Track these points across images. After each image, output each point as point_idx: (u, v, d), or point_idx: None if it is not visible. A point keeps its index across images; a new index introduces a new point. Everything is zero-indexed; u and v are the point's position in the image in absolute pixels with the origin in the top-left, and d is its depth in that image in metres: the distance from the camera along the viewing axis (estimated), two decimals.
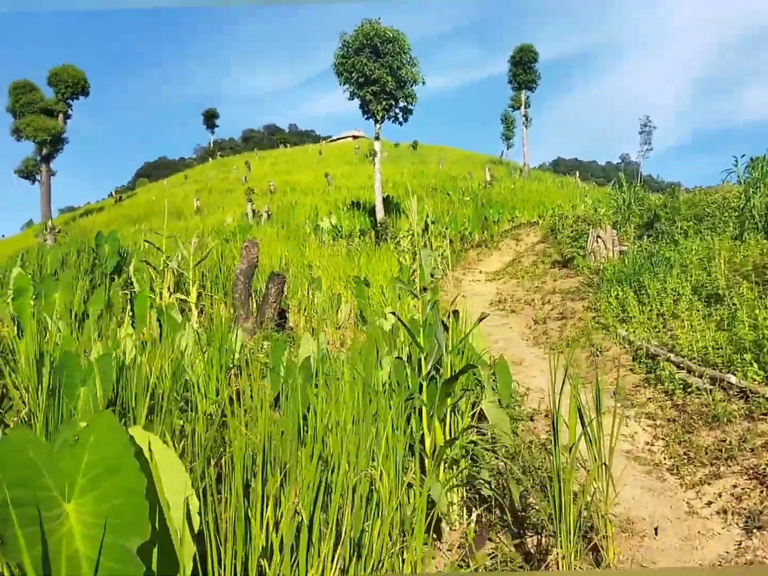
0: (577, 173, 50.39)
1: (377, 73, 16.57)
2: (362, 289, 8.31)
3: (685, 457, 4.61)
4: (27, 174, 39.08)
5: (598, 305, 9.02)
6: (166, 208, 8.72)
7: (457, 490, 3.25)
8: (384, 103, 17.15)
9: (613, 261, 10.81)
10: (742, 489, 3.86)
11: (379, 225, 16.35)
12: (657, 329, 7.53)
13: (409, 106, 17.95)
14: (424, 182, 28.76)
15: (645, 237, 11.59)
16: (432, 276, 13.35)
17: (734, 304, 6.84)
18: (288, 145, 78.62)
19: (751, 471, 4.05)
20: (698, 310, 7.15)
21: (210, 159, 72.62)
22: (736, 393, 5.24)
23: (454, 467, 3.25)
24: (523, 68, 44.43)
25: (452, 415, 3.56)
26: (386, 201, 20.83)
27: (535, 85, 45.23)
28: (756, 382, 5.21)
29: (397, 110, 18.08)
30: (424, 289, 10.83)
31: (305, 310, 7.93)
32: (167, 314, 4.87)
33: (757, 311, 6.18)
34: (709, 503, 3.82)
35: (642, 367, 6.67)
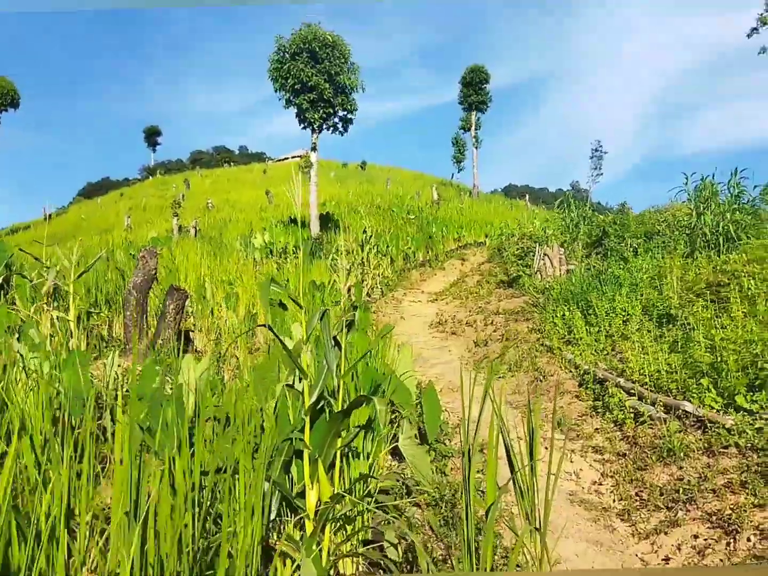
0: (527, 196, 50.84)
1: (314, 79, 15.95)
2: (277, 310, 7.63)
3: (638, 499, 4.07)
4: None
5: (543, 326, 8.55)
6: (95, 225, 7.91)
7: (352, 560, 2.60)
8: (321, 111, 16.51)
9: (559, 280, 10.41)
10: (705, 540, 3.32)
11: (314, 241, 15.67)
12: (605, 352, 7.08)
13: (349, 116, 17.37)
14: (369, 201, 28.29)
15: (593, 255, 11.26)
16: (369, 296, 12.78)
17: (688, 324, 6.43)
18: (233, 164, 77.60)
19: (714, 517, 3.52)
20: (649, 331, 6.73)
21: (150, 178, 71.02)
22: (692, 423, 4.75)
23: (350, 527, 2.60)
24: (474, 89, 44.44)
25: (355, 458, 2.91)
26: (326, 217, 20.23)
27: (485, 107, 45.32)
28: (714, 411, 4.74)
29: (336, 120, 17.49)
30: (354, 308, 10.15)
31: (218, 331, 7.22)
32: (25, 333, 4.13)
33: (713, 331, 5.76)
34: (667, 559, 3.27)
35: (589, 393, 6.17)
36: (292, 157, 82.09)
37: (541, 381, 6.88)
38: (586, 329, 7.69)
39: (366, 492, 2.78)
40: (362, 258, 13.18)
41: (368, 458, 3.11)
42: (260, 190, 38.80)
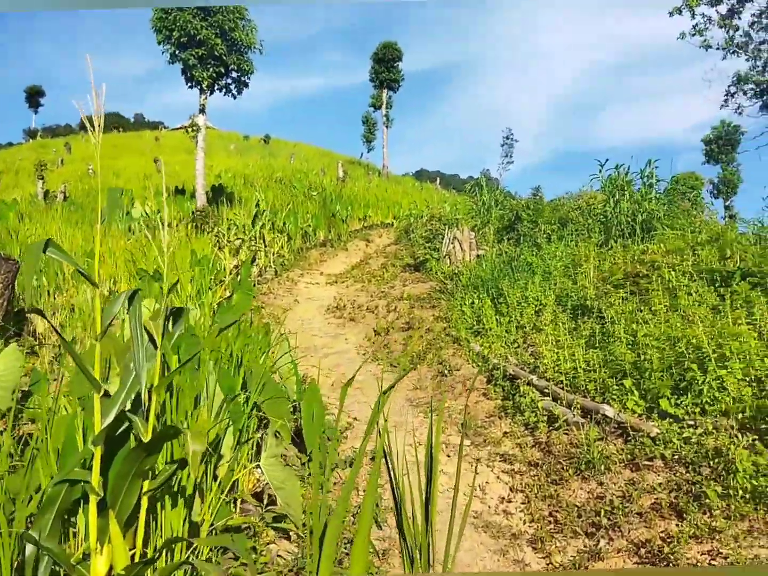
0: (438, 180, 50.95)
1: (204, 32, 14.67)
2: (151, 286, 6.76)
3: (552, 520, 3.58)
4: None
5: (451, 314, 8.06)
6: None
7: None
8: (211, 69, 15.29)
9: (469, 265, 9.98)
10: None
11: (199, 213, 14.58)
12: (517, 344, 6.65)
13: (244, 78, 16.23)
14: (269, 174, 27.19)
15: (505, 240, 10.91)
16: (261, 275, 11.98)
17: (604, 318, 6.07)
18: (122, 130, 73.91)
19: (643, 549, 3.06)
20: (564, 323, 6.33)
21: (31, 141, 66.71)
22: (613, 429, 4.33)
23: None
24: (386, 66, 43.90)
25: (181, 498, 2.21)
26: (219, 190, 19.10)
27: (397, 85, 44.88)
28: (637, 416, 4.33)
29: (229, 80, 16.31)
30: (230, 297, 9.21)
31: (71, 312, 6.28)
32: None
33: (634, 326, 5.39)
34: None
35: (498, 391, 5.71)
36: (189, 127, 79.52)
37: (446, 376, 6.37)
38: (496, 319, 7.26)
39: (191, 550, 2.09)
40: (253, 234, 12.31)
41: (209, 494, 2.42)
42: (149, 158, 36.81)
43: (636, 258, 7.65)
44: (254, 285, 11.28)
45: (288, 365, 4.51)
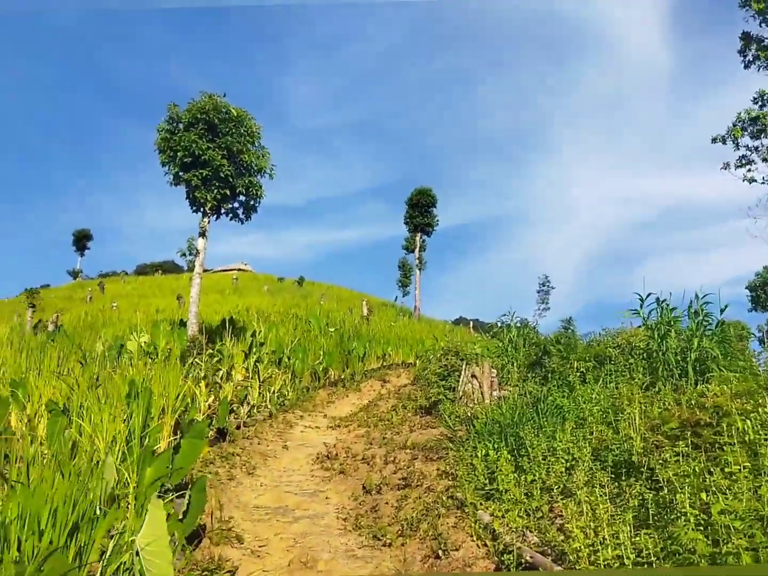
0: (471, 323, 49.86)
1: (209, 153, 14.07)
2: (60, 422, 5.36)
3: None
4: None
5: (457, 469, 6.42)
6: None
7: None
8: (216, 191, 14.58)
9: (487, 408, 8.40)
10: None
11: (189, 343, 13.38)
12: (540, 514, 4.98)
13: (253, 202, 15.50)
14: (286, 310, 26.29)
15: (530, 378, 9.36)
16: (250, 416, 10.50)
17: (658, 480, 4.44)
18: (161, 272, 75.73)
19: None
20: (603, 486, 4.70)
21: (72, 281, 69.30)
22: None
23: None
24: (420, 211, 45.05)
25: None
26: (226, 322, 17.99)
27: (431, 229, 45.72)
28: None
29: (236, 204, 15.60)
30: (220, 433, 7.71)
31: None
32: None
33: (704, 496, 3.77)
34: None
35: None
36: (231, 269, 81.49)
37: (440, 558, 4.69)
38: (515, 477, 5.61)
39: None
40: (246, 366, 10.96)
41: None
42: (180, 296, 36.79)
43: (694, 402, 6.05)
44: (239, 427, 9.80)
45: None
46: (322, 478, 7.54)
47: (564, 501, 4.92)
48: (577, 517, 4.24)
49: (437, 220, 45.65)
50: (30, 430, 6.48)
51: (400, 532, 5.38)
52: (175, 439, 7.17)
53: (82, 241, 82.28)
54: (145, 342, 14.12)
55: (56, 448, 5.56)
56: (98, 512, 4.28)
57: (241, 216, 15.66)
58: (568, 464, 5.57)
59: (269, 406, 11.30)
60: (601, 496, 4.35)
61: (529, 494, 5.32)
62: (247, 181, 15.03)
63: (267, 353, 12.56)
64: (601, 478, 4.91)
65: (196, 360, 10.25)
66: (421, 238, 45.27)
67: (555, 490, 5.23)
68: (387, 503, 6.21)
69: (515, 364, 10.39)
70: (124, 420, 5.85)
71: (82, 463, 5.06)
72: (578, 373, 8.85)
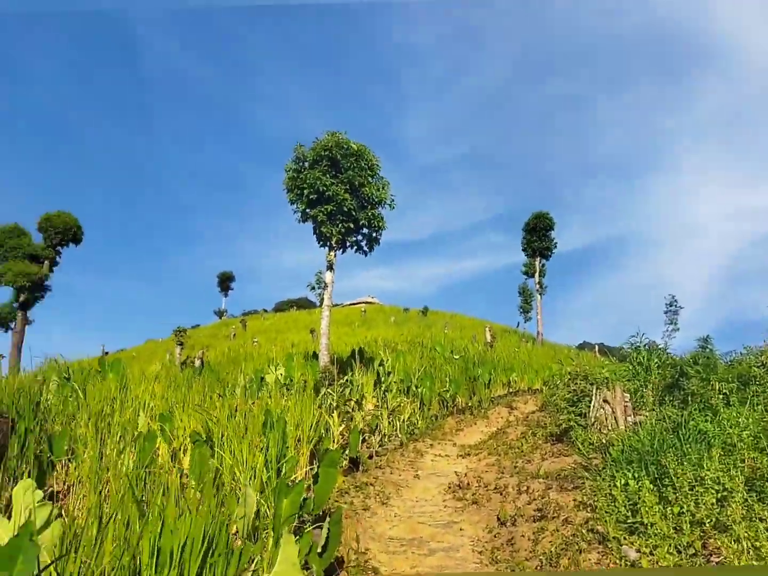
0: (596, 347, 48.10)
1: (333, 188, 14.43)
2: (203, 453, 5.44)
3: None
4: (1, 321, 37.20)
5: (596, 500, 6.01)
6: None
7: None
8: (340, 225, 14.88)
9: (623, 434, 7.89)
10: None
11: (321, 374, 13.55)
12: (693, 551, 4.54)
13: (375, 234, 15.68)
14: (411, 339, 26.28)
15: (667, 401, 8.74)
16: (381, 445, 10.43)
17: None
18: (298, 309, 78.68)
19: None
20: (762, 520, 4.23)
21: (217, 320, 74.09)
22: None
23: None
24: (538, 235, 44.45)
25: None
26: (356, 353, 18.17)
27: (550, 253, 44.95)
28: None
29: (359, 236, 15.91)
30: (353, 462, 7.72)
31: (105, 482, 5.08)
32: None
33: None
34: None
35: None
36: (359, 303, 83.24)
37: None
38: (660, 509, 5.18)
39: None
40: (374, 397, 10.93)
41: None
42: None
43: None
44: (371, 456, 9.76)
45: None
46: (455, 509, 7.31)
47: (719, 537, 4.47)
48: (738, 556, 3.81)
49: (555, 243, 44.90)
50: (176, 462, 6.67)
51: (539, 567, 5.07)
52: (311, 468, 7.20)
53: (225, 282, 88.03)
54: (281, 374, 14.48)
55: (199, 479, 5.67)
56: (236, 545, 4.28)
57: (365, 248, 15.94)
58: (719, 495, 5.08)
59: (399, 435, 11.20)
60: (764, 533, 3.90)
61: (678, 528, 4.87)
62: (369, 214, 15.31)
63: (395, 382, 12.51)
64: (760, 512, 4.43)
65: (329, 390, 10.34)
66: (540, 262, 44.58)
67: (707, 524, 4.76)
68: (523, 536, 5.90)
69: (649, 387, 9.75)
70: (261, 450, 5.91)
71: (221, 495, 5.11)
72: (721, 396, 8.17)
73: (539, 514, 6.28)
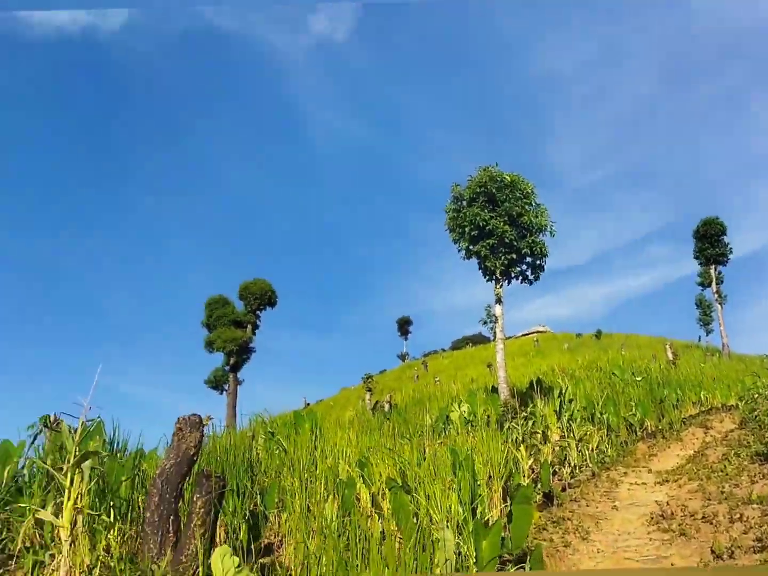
0: None
1: (492, 222, 14.41)
2: (401, 498, 5.50)
3: None
4: (216, 384, 40.75)
5: None
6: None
7: None
8: (503, 257, 14.77)
9: None
10: None
11: (502, 407, 13.34)
12: None
13: (539, 261, 15.38)
14: (588, 364, 25.33)
15: None
16: (573, 477, 10.07)
17: None
18: (473, 345, 79.23)
19: None
20: None
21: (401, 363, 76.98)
22: None
23: None
24: (710, 242, 41.73)
25: None
26: (534, 384, 17.80)
27: (725, 259, 41.98)
28: None
29: (523, 266, 15.67)
30: (546, 497, 7.57)
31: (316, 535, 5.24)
32: None
33: None
34: None
35: None
36: (530, 333, 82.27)
37: None
38: None
39: None
40: (559, 427, 10.59)
41: None
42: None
43: None
44: (564, 489, 9.46)
45: None
46: (662, 542, 6.85)
47: None
48: None
49: (730, 249, 41.77)
50: (375, 507, 6.83)
51: None
52: (506, 506, 7.10)
53: (404, 326, 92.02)
54: (465, 411, 14.50)
55: (398, 524, 5.76)
56: None
57: (530, 277, 15.81)
58: None
59: (590, 465, 10.76)
60: None
61: None
62: (530, 242, 15.18)
63: (578, 410, 12.09)
64: None
65: (513, 424, 10.19)
66: (716, 269, 41.64)
67: None
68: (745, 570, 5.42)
69: None
70: (453, 490, 5.91)
71: (422, 540, 5.15)
72: None
73: (759, 545, 5.76)
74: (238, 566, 3.95)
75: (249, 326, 41.76)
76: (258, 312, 42.60)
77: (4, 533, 4.84)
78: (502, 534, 5.65)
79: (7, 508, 4.67)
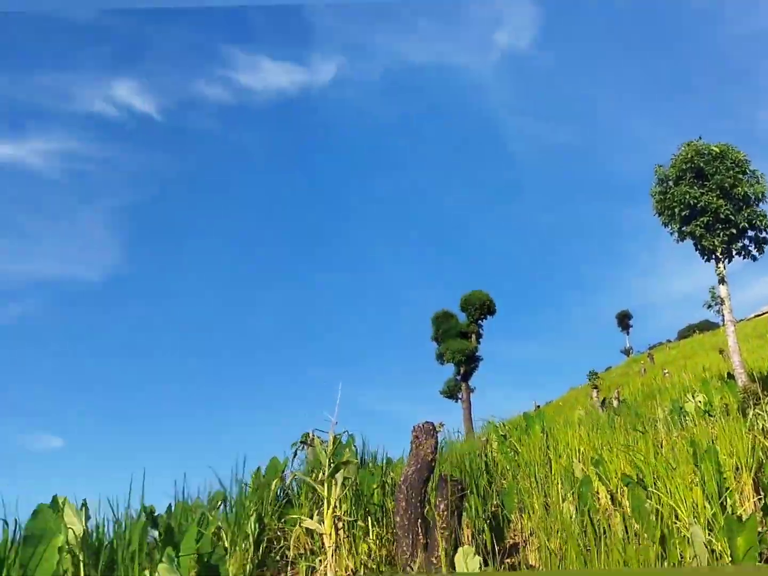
0: None
1: (704, 199, 13.26)
2: (640, 495, 5.30)
3: None
4: (450, 393, 42.65)
5: None
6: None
7: None
8: (721, 234, 13.50)
9: None
10: None
11: (742, 394, 12.12)
12: None
13: (762, 234, 13.81)
14: None
15: None
16: None
17: None
18: (700, 332, 74.05)
19: None
20: None
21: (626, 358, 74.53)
22: None
23: None
24: None
25: None
26: None
27: None
28: None
29: (745, 241, 14.21)
30: None
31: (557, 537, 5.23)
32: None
33: None
34: None
35: None
36: (763, 314, 74.68)
37: None
38: None
39: None
40: None
41: None
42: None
43: None
44: None
45: None
46: None
47: None
48: None
49: None
50: (615, 505, 6.71)
51: None
52: (760, 498, 6.59)
53: (624, 320, 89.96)
54: (700, 401, 13.56)
55: (640, 521, 5.61)
56: None
57: (754, 252, 14.36)
58: None
59: None
60: None
61: None
62: (749, 214, 13.84)
63: None
64: None
65: (757, 411, 9.33)
66: None
67: None
68: None
69: None
70: (697, 484, 5.64)
71: (663, 535, 4.98)
72: None
73: None
74: (482, 566, 4.18)
75: (473, 336, 42.93)
76: (480, 321, 43.61)
77: (282, 541, 5.50)
78: (759, 529, 5.28)
79: (282, 519, 5.32)
